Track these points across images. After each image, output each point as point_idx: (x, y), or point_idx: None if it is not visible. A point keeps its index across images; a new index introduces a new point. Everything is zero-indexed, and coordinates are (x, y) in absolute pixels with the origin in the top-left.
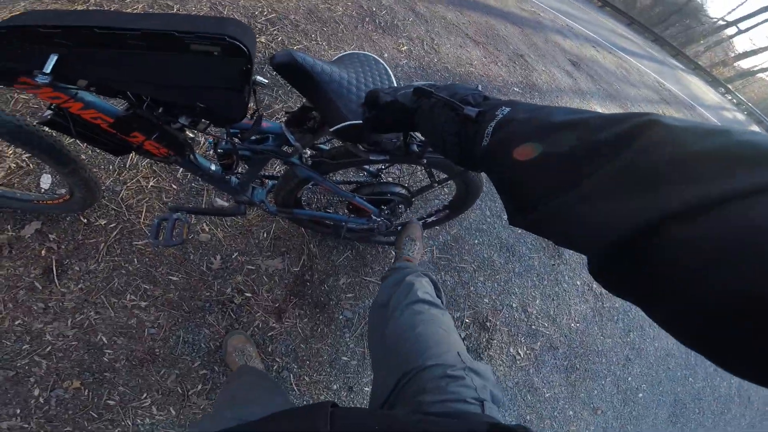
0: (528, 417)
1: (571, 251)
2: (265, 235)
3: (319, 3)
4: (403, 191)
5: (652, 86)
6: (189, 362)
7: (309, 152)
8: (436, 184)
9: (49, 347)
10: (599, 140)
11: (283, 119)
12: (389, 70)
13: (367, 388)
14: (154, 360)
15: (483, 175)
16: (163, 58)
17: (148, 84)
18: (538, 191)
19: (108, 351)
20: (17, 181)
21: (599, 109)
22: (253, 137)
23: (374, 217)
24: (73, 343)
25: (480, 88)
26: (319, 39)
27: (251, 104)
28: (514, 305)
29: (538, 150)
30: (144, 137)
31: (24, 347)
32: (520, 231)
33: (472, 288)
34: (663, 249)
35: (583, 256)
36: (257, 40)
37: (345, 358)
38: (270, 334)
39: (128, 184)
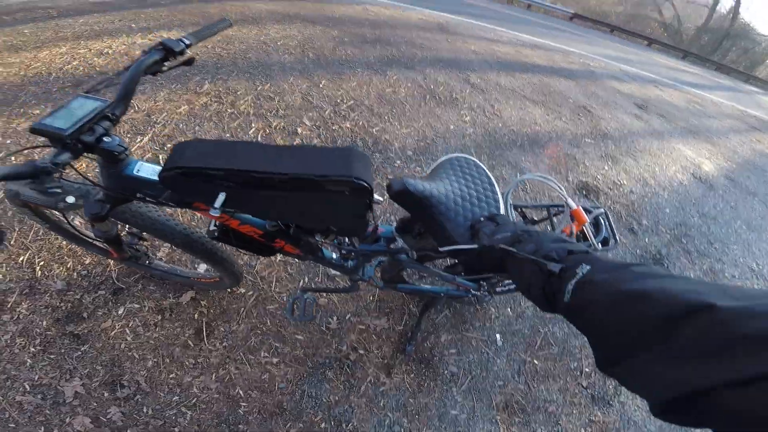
0: None
1: (678, 269)
2: (371, 298)
3: (385, 87)
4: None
5: (733, 115)
6: (312, 415)
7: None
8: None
9: (195, 399)
10: (662, 315)
11: (394, 224)
12: (489, 174)
13: None
14: (282, 413)
15: None
16: (304, 196)
17: (292, 215)
18: (619, 349)
19: (243, 404)
20: (177, 258)
21: (683, 148)
22: (371, 239)
23: (473, 291)
24: (215, 395)
25: (565, 239)
26: (391, 119)
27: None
28: None
29: (614, 316)
30: (285, 243)
31: (174, 398)
32: None
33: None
34: (715, 408)
35: None
36: (343, 126)
37: (454, 412)
38: (381, 389)
39: (261, 259)
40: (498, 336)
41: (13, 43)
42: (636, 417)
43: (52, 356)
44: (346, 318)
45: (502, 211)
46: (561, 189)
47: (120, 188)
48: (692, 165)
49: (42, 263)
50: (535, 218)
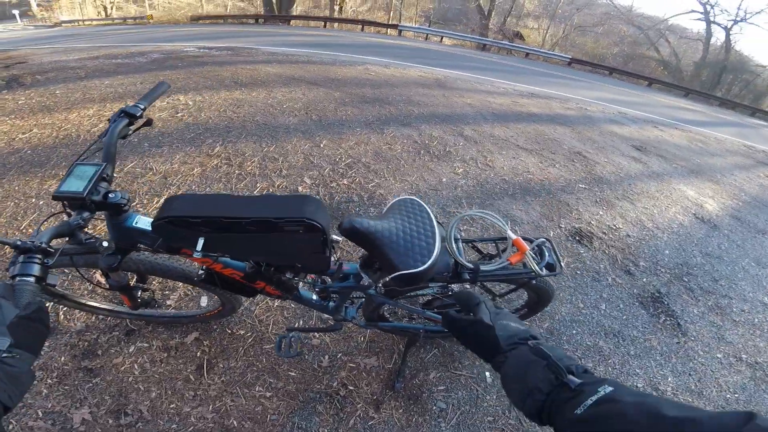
0: None
1: (698, 327)
2: (362, 338)
3: (381, 145)
4: None
5: (739, 151)
6: None
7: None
8: (497, 298)
9: (192, 428)
10: None
11: (359, 262)
12: (431, 213)
13: None
14: None
15: (553, 281)
16: (267, 236)
17: (261, 254)
18: None
19: None
20: (184, 304)
21: (684, 188)
22: (339, 276)
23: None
24: (210, 425)
25: (576, 359)
26: (386, 175)
27: (333, 256)
28: (639, 384)
29: None
30: (265, 284)
31: (173, 426)
32: (625, 316)
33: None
34: None
35: (716, 330)
36: (340, 183)
37: None
38: (370, 423)
39: (260, 305)
40: (488, 374)
41: (47, 104)
42: None
43: (66, 387)
44: (338, 357)
45: (437, 248)
46: (501, 221)
47: (124, 239)
48: (694, 205)
49: (65, 309)
50: (491, 254)
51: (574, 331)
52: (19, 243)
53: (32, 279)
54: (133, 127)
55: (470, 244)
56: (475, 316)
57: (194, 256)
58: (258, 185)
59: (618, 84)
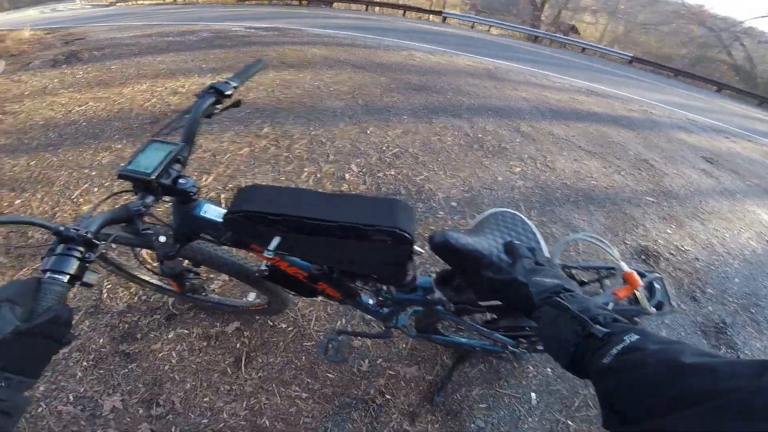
0: None
1: (743, 338)
2: (404, 345)
3: (430, 135)
4: None
5: None
6: None
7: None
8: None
9: (223, 424)
10: (725, 389)
11: (433, 276)
12: (537, 232)
13: None
14: None
15: None
16: (350, 243)
17: (337, 260)
18: (647, 410)
19: None
20: (228, 291)
21: (759, 211)
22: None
23: (511, 348)
24: (242, 422)
25: (611, 306)
26: (435, 168)
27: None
28: None
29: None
30: (327, 286)
31: (203, 421)
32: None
33: None
34: None
35: None
36: (387, 173)
37: None
38: None
39: (304, 298)
40: (533, 395)
41: (103, 79)
42: None
43: (101, 371)
44: (378, 362)
45: None
46: (613, 251)
47: (188, 228)
48: None
49: (109, 286)
50: (584, 279)
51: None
52: (61, 229)
53: (65, 278)
54: (220, 106)
55: (565, 270)
56: (511, 274)
57: (265, 254)
58: (305, 169)
59: (684, 87)
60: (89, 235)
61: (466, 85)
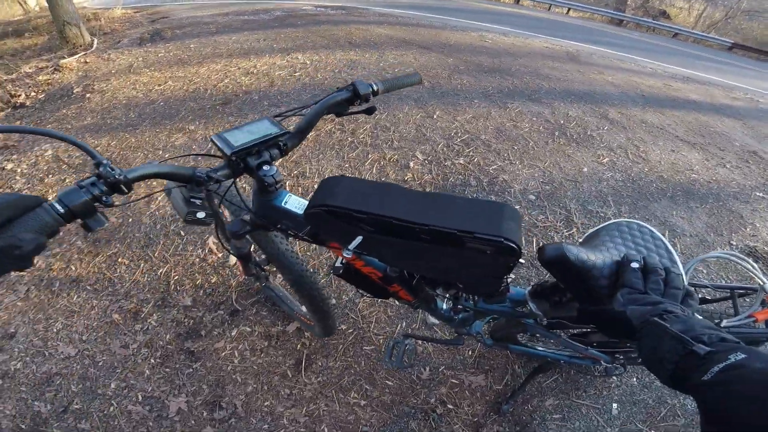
0: None
1: None
2: (470, 352)
3: (504, 121)
4: None
5: None
6: None
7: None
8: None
9: (283, 430)
10: None
11: (528, 288)
12: (670, 247)
13: None
14: None
15: None
16: (441, 249)
17: (422, 267)
18: (744, 427)
19: None
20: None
21: None
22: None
23: (604, 364)
24: (301, 430)
25: (716, 327)
26: (511, 158)
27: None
28: None
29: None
30: (401, 288)
31: (264, 426)
32: None
33: None
34: None
35: None
36: (456, 162)
37: None
38: None
39: (364, 298)
40: (615, 405)
41: (181, 57)
42: None
43: (167, 370)
44: (440, 370)
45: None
46: (756, 269)
47: (266, 216)
48: None
49: (176, 277)
50: (708, 297)
51: None
52: (104, 162)
53: (62, 210)
54: (354, 108)
55: (695, 289)
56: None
57: (344, 253)
58: (369, 156)
59: None
60: (120, 178)
61: (545, 68)
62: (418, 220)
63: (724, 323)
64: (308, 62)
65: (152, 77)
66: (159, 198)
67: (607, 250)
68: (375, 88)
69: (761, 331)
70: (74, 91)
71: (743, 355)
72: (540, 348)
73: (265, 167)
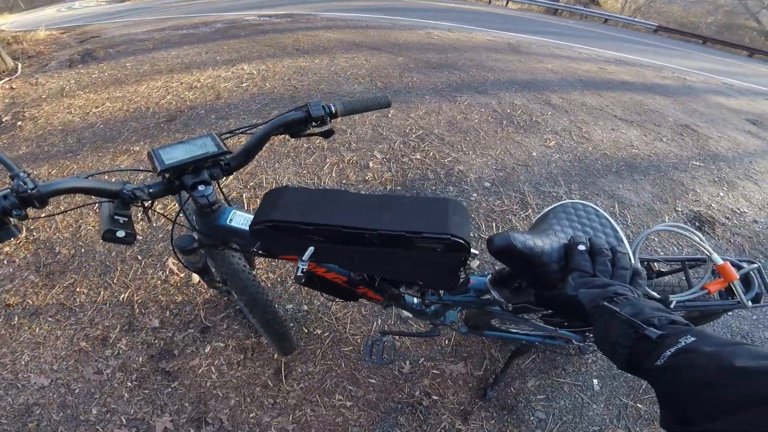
0: None
1: None
2: (446, 341)
3: (456, 114)
4: None
5: None
6: None
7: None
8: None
9: None
10: None
11: (488, 277)
12: (614, 224)
13: None
14: None
15: None
16: (394, 252)
17: (379, 269)
18: (698, 412)
19: None
20: None
21: None
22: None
23: (576, 343)
24: None
25: (665, 309)
26: (464, 149)
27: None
28: None
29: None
30: (367, 290)
31: None
32: (755, 315)
33: None
34: None
35: None
36: (413, 158)
37: None
38: None
39: (337, 300)
40: (595, 381)
41: (118, 77)
42: None
43: (146, 391)
44: (420, 362)
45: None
46: (703, 242)
47: (211, 235)
48: None
49: (140, 300)
50: (662, 270)
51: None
52: (20, 174)
53: None
54: (310, 130)
55: (644, 263)
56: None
57: (299, 264)
58: (327, 160)
59: (715, 54)
60: (33, 192)
61: (489, 60)
62: (366, 225)
63: (678, 297)
64: (255, 72)
65: (88, 99)
66: None
67: (555, 234)
68: (333, 109)
69: (716, 303)
70: (2, 120)
71: (692, 338)
72: (513, 331)
73: (200, 187)
